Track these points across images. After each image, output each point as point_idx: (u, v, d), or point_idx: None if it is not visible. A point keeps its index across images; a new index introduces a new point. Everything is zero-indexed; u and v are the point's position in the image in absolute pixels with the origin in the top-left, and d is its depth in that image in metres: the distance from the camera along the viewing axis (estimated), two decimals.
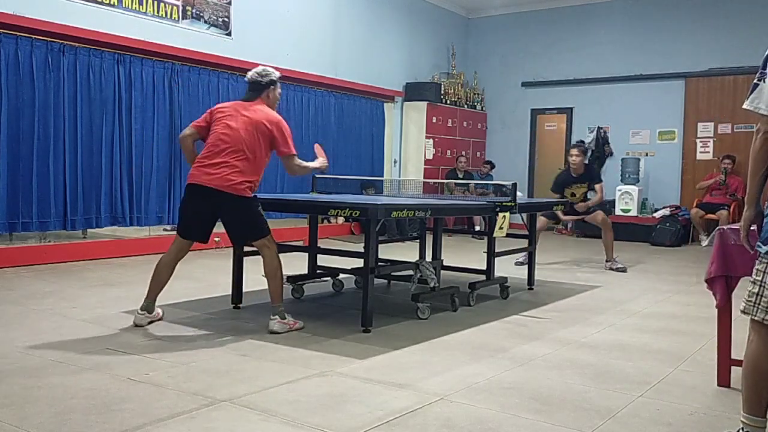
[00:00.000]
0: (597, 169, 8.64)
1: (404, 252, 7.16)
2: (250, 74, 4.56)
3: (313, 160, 4.78)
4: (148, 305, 4.41)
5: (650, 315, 5.19)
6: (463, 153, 12.34)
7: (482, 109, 13.29)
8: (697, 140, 11.39)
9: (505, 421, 2.84)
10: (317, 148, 5.04)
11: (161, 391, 3.08)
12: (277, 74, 4.61)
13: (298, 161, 4.49)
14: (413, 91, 11.83)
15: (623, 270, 7.56)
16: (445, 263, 5.62)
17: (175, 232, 4.56)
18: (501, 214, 5.14)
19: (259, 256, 5.33)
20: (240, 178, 4.26)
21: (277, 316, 4.32)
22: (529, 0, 12.67)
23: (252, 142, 4.32)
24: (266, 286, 4.41)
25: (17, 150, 6.64)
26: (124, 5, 7.59)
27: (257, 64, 9.02)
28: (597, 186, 8.13)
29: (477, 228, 10.71)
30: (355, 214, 4.26)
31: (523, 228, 6.31)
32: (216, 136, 4.36)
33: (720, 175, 10.43)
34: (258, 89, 4.52)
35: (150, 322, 4.40)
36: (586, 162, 8.37)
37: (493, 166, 12.14)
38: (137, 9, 7.73)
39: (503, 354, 3.92)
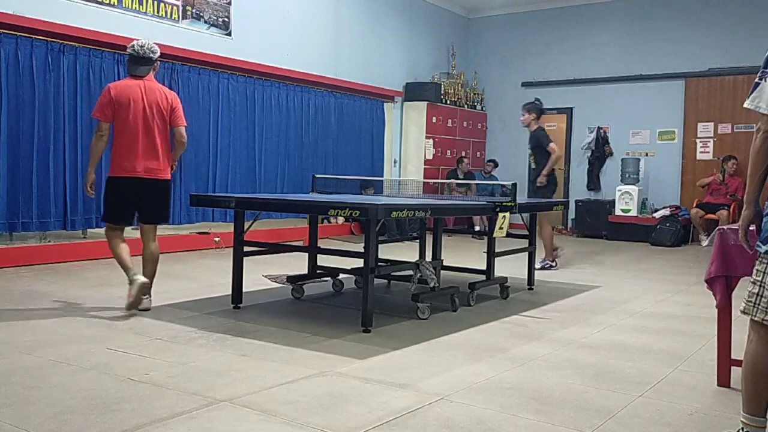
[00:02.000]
0: (546, 133, 7.52)
1: (404, 252, 7.17)
2: (139, 49, 4.67)
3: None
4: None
5: (650, 315, 5.19)
6: (464, 153, 12.34)
7: (482, 109, 13.29)
8: (697, 140, 11.39)
9: (505, 421, 2.84)
10: None
11: (161, 391, 3.08)
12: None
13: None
14: (413, 91, 11.83)
15: (549, 268, 7.37)
16: (445, 263, 5.62)
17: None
18: (501, 214, 5.14)
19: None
20: (165, 160, 4.76)
21: (148, 296, 4.66)
22: (529, 0, 12.67)
23: (165, 120, 4.71)
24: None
25: (17, 150, 6.64)
26: (124, 5, 7.60)
27: (257, 64, 9.14)
28: (549, 148, 7.33)
29: (477, 228, 10.71)
30: (355, 214, 4.26)
31: (523, 228, 6.31)
32: (134, 124, 4.61)
33: (717, 174, 10.44)
34: (149, 64, 4.72)
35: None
36: (540, 126, 7.52)
37: (496, 165, 12.11)
38: (137, 9, 7.73)
39: (503, 354, 3.92)
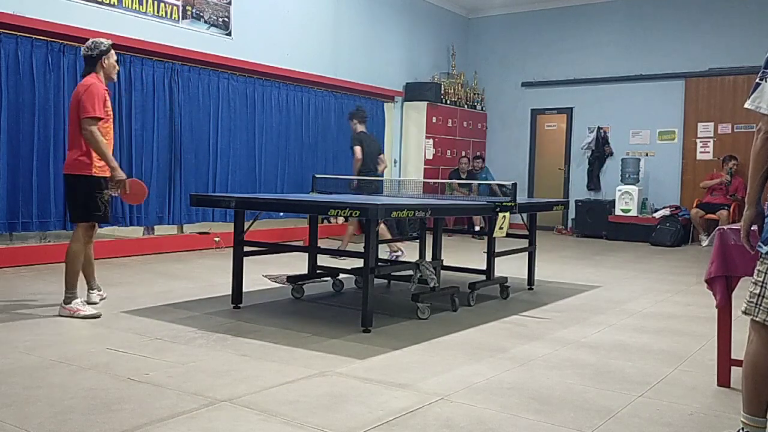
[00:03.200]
0: (355, 135, 7.96)
1: (404, 252, 7.16)
2: (82, 50, 4.68)
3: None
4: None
5: (650, 315, 5.19)
6: (464, 153, 12.33)
7: (482, 109, 13.29)
8: (697, 140, 11.39)
9: (505, 421, 2.84)
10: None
11: (161, 391, 3.08)
12: (108, 43, 4.69)
13: (95, 129, 4.45)
14: (413, 91, 11.83)
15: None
16: (445, 263, 5.61)
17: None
18: (501, 214, 5.14)
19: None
20: (75, 155, 4.53)
21: (62, 302, 4.62)
22: (529, 0, 12.67)
23: (77, 114, 4.50)
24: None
25: (17, 150, 6.64)
26: (124, 5, 7.59)
27: (257, 64, 9.15)
28: (352, 150, 7.84)
29: (477, 228, 10.71)
30: (355, 214, 4.26)
31: (523, 228, 6.31)
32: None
33: (725, 175, 10.42)
34: (91, 63, 4.64)
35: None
36: (362, 131, 7.97)
37: (483, 159, 12.13)
38: (137, 9, 7.73)
39: (503, 354, 3.92)
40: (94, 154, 4.51)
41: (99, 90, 4.52)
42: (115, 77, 4.81)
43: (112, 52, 4.72)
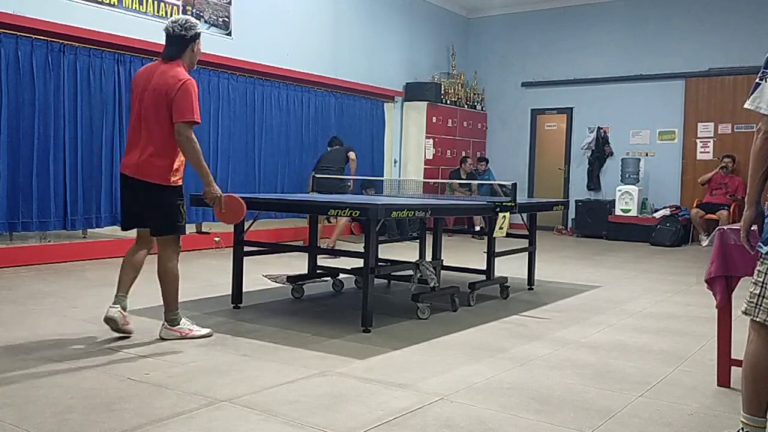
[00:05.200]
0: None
1: (404, 252, 7.17)
2: (170, 25, 3.90)
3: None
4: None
5: (650, 315, 5.19)
6: (464, 153, 12.33)
7: (482, 109, 13.29)
8: (697, 140, 11.39)
9: (505, 421, 2.84)
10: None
11: (161, 391, 3.08)
12: (200, 25, 4.04)
13: (193, 136, 3.78)
14: (413, 91, 11.83)
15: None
16: (445, 263, 5.61)
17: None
18: (501, 214, 5.14)
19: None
20: (159, 161, 3.82)
21: (166, 323, 4.01)
22: (529, 0, 12.67)
23: (161, 114, 3.79)
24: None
25: (17, 150, 6.64)
26: (124, 5, 7.59)
27: (257, 64, 9.14)
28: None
29: (477, 228, 10.71)
30: (355, 214, 4.26)
31: (523, 228, 6.31)
32: (133, 115, 3.95)
33: (721, 166, 10.47)
34: (181, 45, 3.90)
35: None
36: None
37: (487, 162, 12.15)
38: (137, 9, 7.73)
39: (503, 354, 3.92)
40: (177, 162, 3.89)
41: (195, 88, 3.84)
42: (195, 64, 4.07)
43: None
